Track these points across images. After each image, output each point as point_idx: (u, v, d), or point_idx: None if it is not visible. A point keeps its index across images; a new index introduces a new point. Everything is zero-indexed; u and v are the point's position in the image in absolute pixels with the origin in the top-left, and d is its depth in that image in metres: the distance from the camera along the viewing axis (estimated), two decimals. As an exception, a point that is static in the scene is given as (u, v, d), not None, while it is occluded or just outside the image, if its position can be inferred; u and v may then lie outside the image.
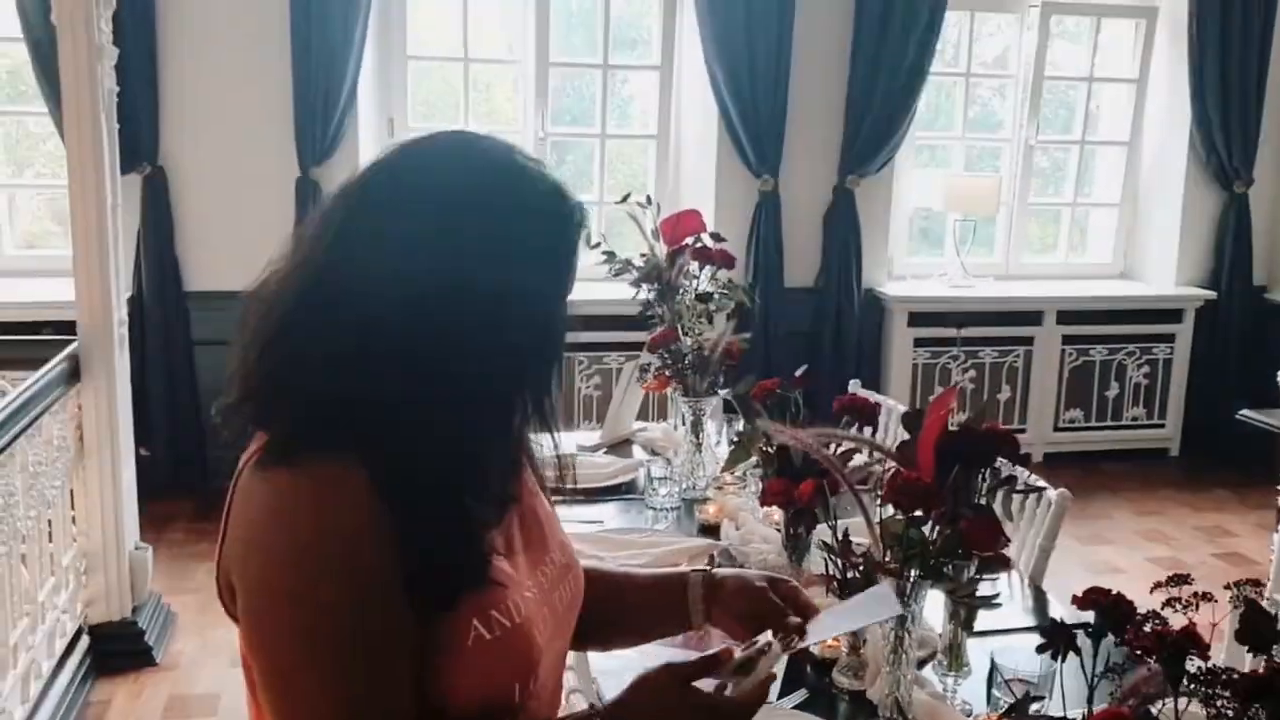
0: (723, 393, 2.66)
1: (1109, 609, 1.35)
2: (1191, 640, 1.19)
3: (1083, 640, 1.40)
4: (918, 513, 1.66)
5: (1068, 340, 5.97)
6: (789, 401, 2.37)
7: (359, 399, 1.09)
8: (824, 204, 5.66)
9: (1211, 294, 6.06)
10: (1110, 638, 1.36)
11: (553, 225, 1.17)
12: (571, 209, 1.19)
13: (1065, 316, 5.95)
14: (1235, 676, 1.18)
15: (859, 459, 1.91)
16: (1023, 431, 5.85)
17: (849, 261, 5.66)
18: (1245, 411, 4.00)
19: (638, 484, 2.87)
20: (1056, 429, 6.04)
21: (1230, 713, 1.22)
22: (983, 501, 1.69)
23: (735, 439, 2.48)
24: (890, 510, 1.73)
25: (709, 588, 1.47)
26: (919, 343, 5.78)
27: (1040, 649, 1.45)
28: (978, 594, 1.69)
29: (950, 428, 1.71)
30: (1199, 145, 5.97)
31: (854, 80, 5.51)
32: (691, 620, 1.46)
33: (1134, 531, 5.12)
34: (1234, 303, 6.07)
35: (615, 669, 1.68)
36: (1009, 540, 1.72)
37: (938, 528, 1.68)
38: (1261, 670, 1.20)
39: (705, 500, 2.71)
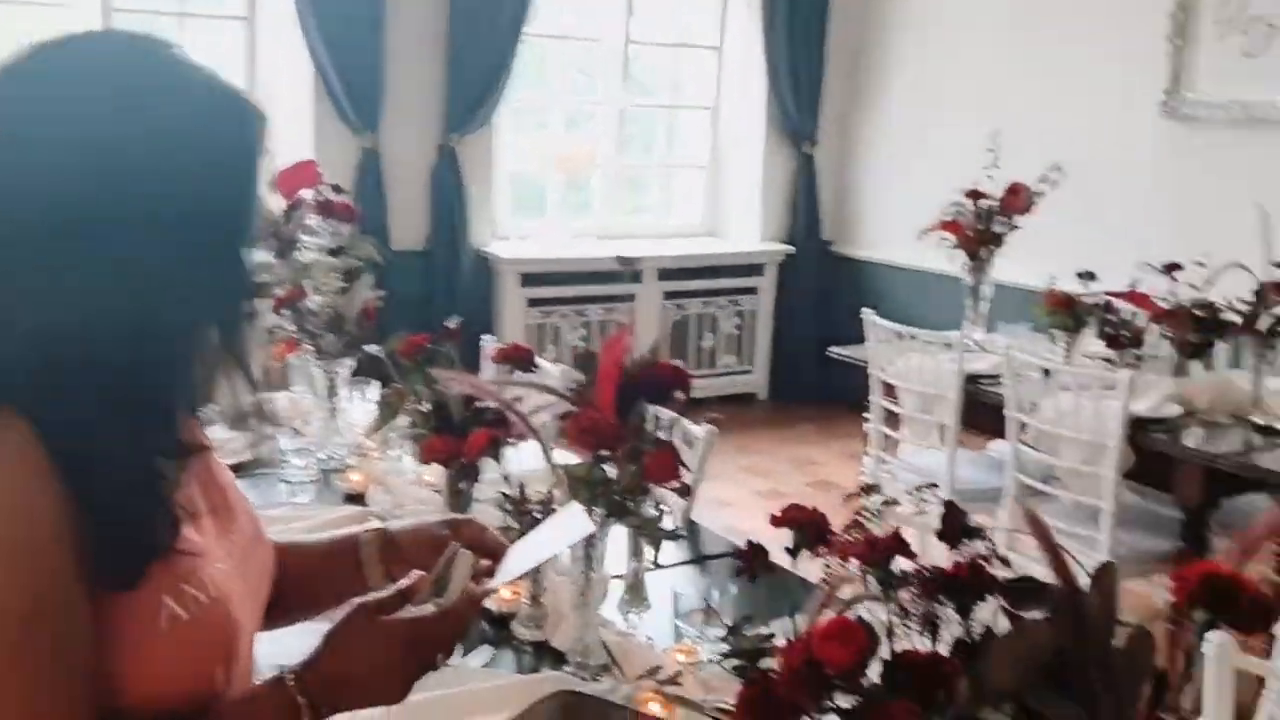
0: (372, 349, 2.51)
1: (808, 525, 1.39)
2: (900, 543, 1.25)
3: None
4: (602, 452, 1.64)
5: (668, 296, 6.26)
6: (439, 356, 2.28)
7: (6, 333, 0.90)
8: (429, 163, 5.55)
9: (790, 249, 6.56)
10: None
11: (222, 125, 1.01)
12: (242, 103, 1.03)
13: (664, 274, 6.22)
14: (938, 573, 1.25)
15: (534, 403, 1.86)
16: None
17: (456, 222, 5.59)
18: (835, 349, 4.36)
19: (267, 458, 2.65)
20: (660, 381, 6.31)
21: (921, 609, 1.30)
22: (661, 436, 1.70)
23: (381, 400, 2.35)
24: (567, 455, 1.71)
25: (385, 545, 1.35)
26: (533, 303, 5.83)
27: (739, 572, 1.47)
28: (660, 527, 1.69)
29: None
30: (774, 108, 6.43)
31: (453, 35, 5.43)
32: (369, 582, 1.34)
33: (738, 468, 5.46)
34: (808, 257, 6.61)
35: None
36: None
37: (619, 466, 1.67)
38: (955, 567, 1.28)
39: (346, 469, 2.56)
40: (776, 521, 1.42)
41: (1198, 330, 3.48)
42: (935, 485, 1.38)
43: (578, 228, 6.20)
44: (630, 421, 1.68)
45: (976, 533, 1.27)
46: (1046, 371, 3.52)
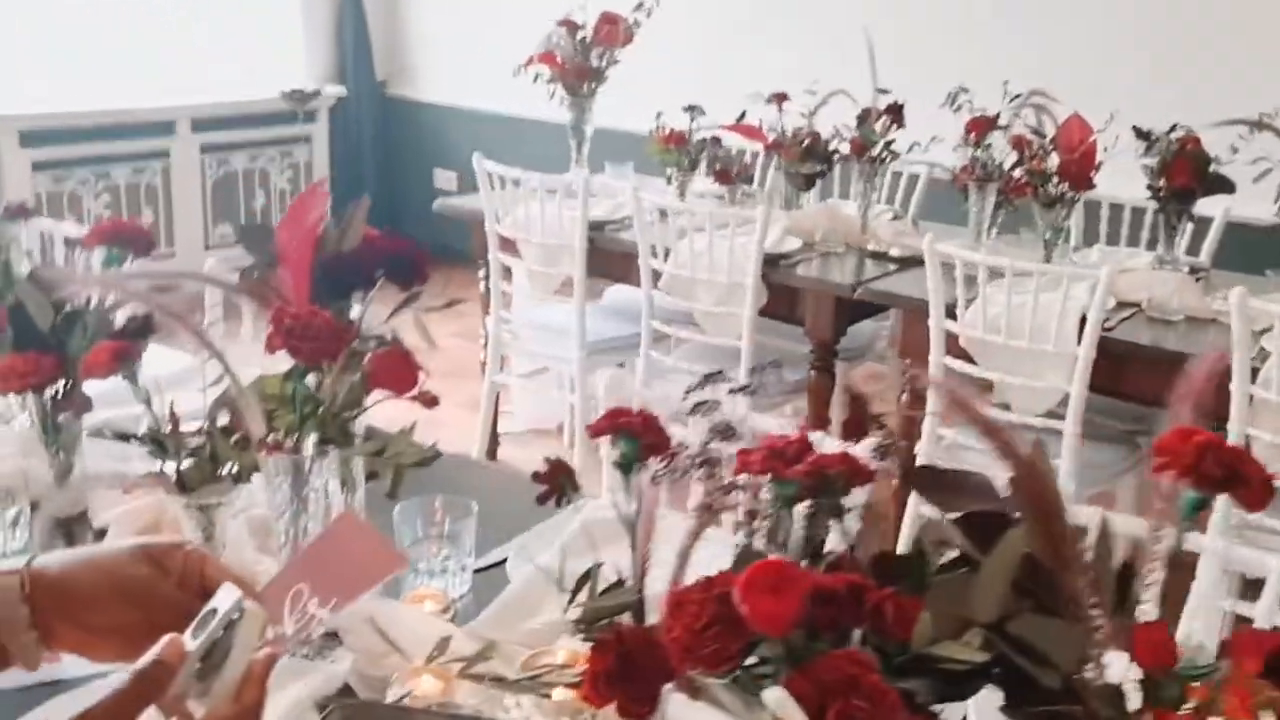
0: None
1: (641, 429, 1.07)
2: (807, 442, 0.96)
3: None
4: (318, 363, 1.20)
5: (206, 150, 5.46)
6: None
7: None
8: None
9: (341, 90, 5.95)
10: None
11: None
12: None
13: (198, 125, 5.41)
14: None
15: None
16: (172, 256, 5.29)
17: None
18: (444, 201, 3.99)
19: None
20: (208, 248, 5.56)
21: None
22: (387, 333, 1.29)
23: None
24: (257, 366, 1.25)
25: (38, 593, 0.82)
26: (39, 167, 4.83)
27: (541, 499, 1.13)
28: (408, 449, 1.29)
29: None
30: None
31: None
32: (19, 657, 0.83)
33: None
34: (361, 99, 6.03)
35: None
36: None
37: (333, 376, 1.24)
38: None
39: None
40: (598, 430, 1.09)
41: (807, 160, 3.46)
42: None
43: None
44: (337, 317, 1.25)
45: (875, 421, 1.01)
46: (663, 213, 3.37)
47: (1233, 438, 2.50)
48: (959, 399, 0.97)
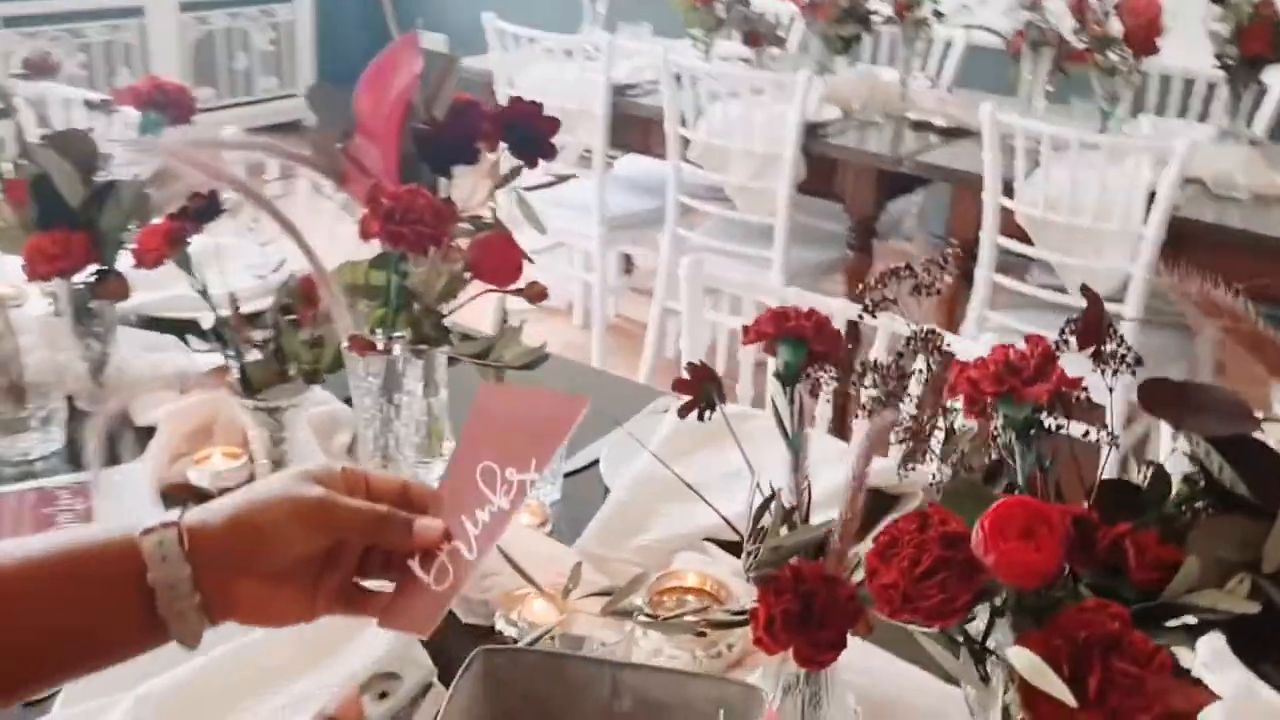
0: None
1: (813, 334, 0.91)
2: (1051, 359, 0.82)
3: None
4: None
5: (185, 8, 5.13)
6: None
7: None
8: None
9: (325, -57, 5.60)
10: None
11: None
12: None
13: (174, -22, 5.08)
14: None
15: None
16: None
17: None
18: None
19: None
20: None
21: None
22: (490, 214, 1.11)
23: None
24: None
25: (202, 550, 0.67)
26: (9, 22, 4.51)
27: (686, 409, 0.98)
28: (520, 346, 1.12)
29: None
30: None
31: None
32: (178, 630, 0.67)
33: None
34: (346, -46, 5.68)
35: None
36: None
37: (429, 264, 1.08)
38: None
39: None
40: (760, 333, 0.93)
41: (846, 22, 3.24)
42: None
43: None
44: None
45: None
46: (684, 77, 3.15)
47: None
48: (1217, 300, 0.82)
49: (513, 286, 1.10)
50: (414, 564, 0.73)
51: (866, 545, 0.90)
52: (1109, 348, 0.84)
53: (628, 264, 4.00)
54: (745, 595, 1.13)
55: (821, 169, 3.03)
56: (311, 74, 5.70)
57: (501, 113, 1.07)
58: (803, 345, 0.92)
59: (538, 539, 1.19)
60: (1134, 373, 0.86)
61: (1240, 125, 2.90)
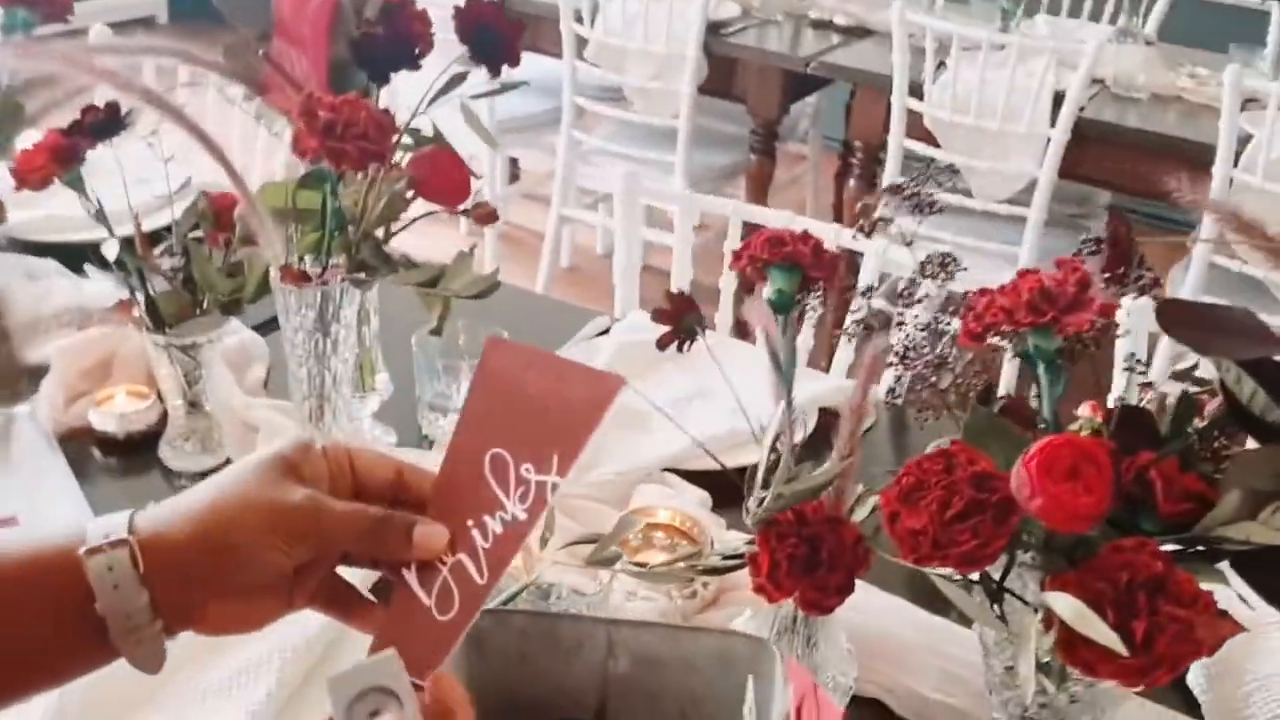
0: None
1: (810, 259, 0.84)
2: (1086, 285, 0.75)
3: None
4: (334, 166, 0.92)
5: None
6: None
7: None
8: None
9: None
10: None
11: None
12: None
13: None
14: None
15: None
16: None
17: None
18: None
19: None
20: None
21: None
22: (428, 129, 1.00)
23: None
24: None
25: (159, 570, 0.56)
26: None
27: (664, 341, 0.90)
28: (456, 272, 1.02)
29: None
30: None
31: None
32: (136, 658, 0.57)
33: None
34: None
35: None
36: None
37: (369, 185, 0.96)
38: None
39: None
40: (752, 257, 0.86)
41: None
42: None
43: None
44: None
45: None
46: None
47: (1208, 226, 2.42)
48: (1243, 221, 0.78)
49: (460, 207, 0.99)
50: (410, 577, 0.61)
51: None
52: (1135, 272, 0.79)
53: (513, 169, 3.86)
54: (715, 527, 1.07)
55: (722, 69, 2.94)
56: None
57: (460, 14, 0.96)
58: (798, 271, 0.85)
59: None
60: (1155, 297, 0.81)
61: (1137, 25, 2.90)
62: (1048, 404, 0.76)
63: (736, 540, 1.01)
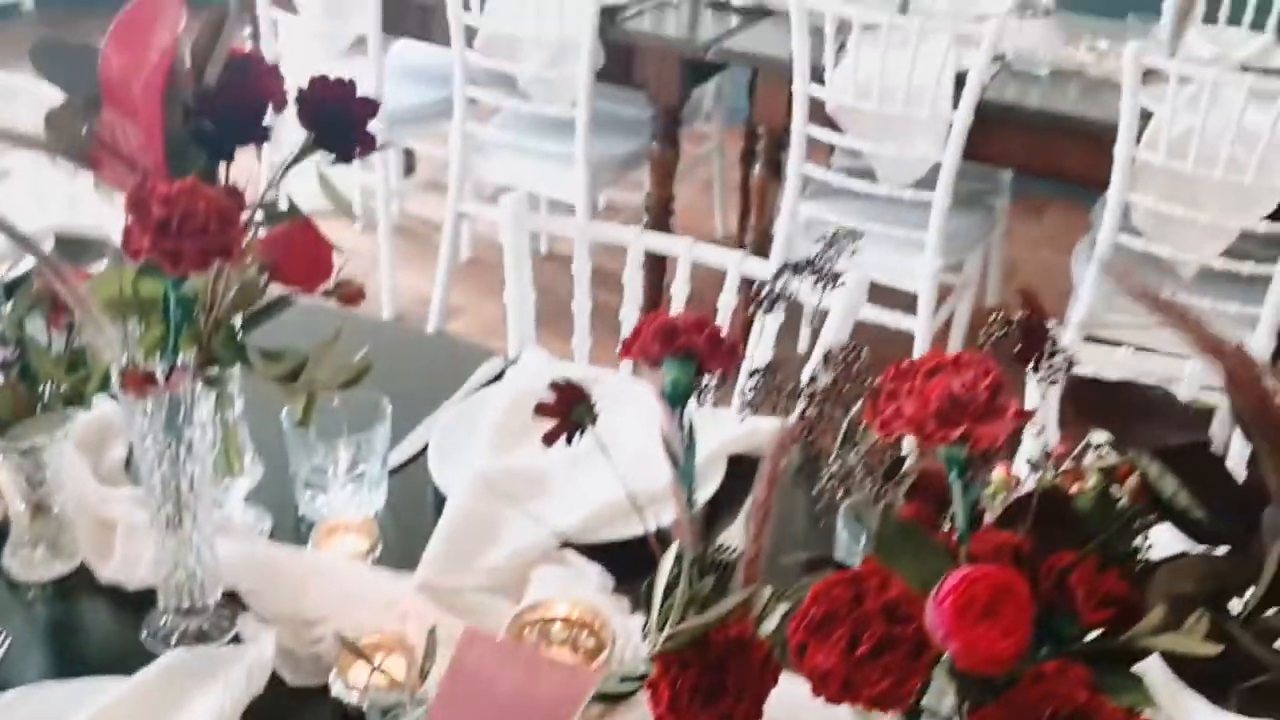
0: None
1: (706, 349, 0.76)
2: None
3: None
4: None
5: None
6: None
7: None
8: None
9: None
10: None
11: None
12: None
13: None
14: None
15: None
16: None
17: None
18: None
19: None
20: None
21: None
22: (283, 200, 0.91)
23: None
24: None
25: None
26: None
27: (550, 438, 0.82)
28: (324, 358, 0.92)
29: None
30: None
31: None
32: None
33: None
34: None
35: None
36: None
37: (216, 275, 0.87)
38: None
39: None
40: (643, 348, 0.79)
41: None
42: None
43: None
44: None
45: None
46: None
47: (1111, 203, 2.40)
48: (1143, 291, 0.72)
49: (322, 288, 0.90)
50: None
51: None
52: (1049, 358, 0.73)
53: (409, 160, 3.73)
54: (618, 615, 1.01)
55: (619, 55, 2.84)
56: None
57: (304, 97, 0.86)
58: (692, 362, 0.78)
59: (367, 575, 1.02)
60: (1067, 381, 0.76)
61: (1035, -4, 2.87)
62: (962, 513, 0.70)
63: (638, 629, 0.95)
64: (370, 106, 0.89)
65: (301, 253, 0.88)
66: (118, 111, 0.87)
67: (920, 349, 2.70)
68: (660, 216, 2.99)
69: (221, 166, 0.90)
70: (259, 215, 0.89)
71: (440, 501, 1.14)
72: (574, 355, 1.68)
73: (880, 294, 2.70)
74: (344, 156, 0.87)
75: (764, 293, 0.79)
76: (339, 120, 0.86)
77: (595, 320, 1.67)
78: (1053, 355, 0.73)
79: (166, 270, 0.77)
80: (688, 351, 0.77)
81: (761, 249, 2.82)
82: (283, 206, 0.91)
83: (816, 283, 0.79)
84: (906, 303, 2.71)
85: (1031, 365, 0.72)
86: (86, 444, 1.15)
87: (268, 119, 0.92)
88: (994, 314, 0.74)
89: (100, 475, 1.12)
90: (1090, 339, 2.55)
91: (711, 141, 3.65)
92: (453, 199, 3.06)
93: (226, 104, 0.86)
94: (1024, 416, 0.66)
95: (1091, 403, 0.76)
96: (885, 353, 0.80)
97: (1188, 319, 0.70)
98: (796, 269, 0.79)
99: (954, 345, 3.00)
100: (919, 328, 2.71)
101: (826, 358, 0.78)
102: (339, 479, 1.12)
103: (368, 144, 0.88)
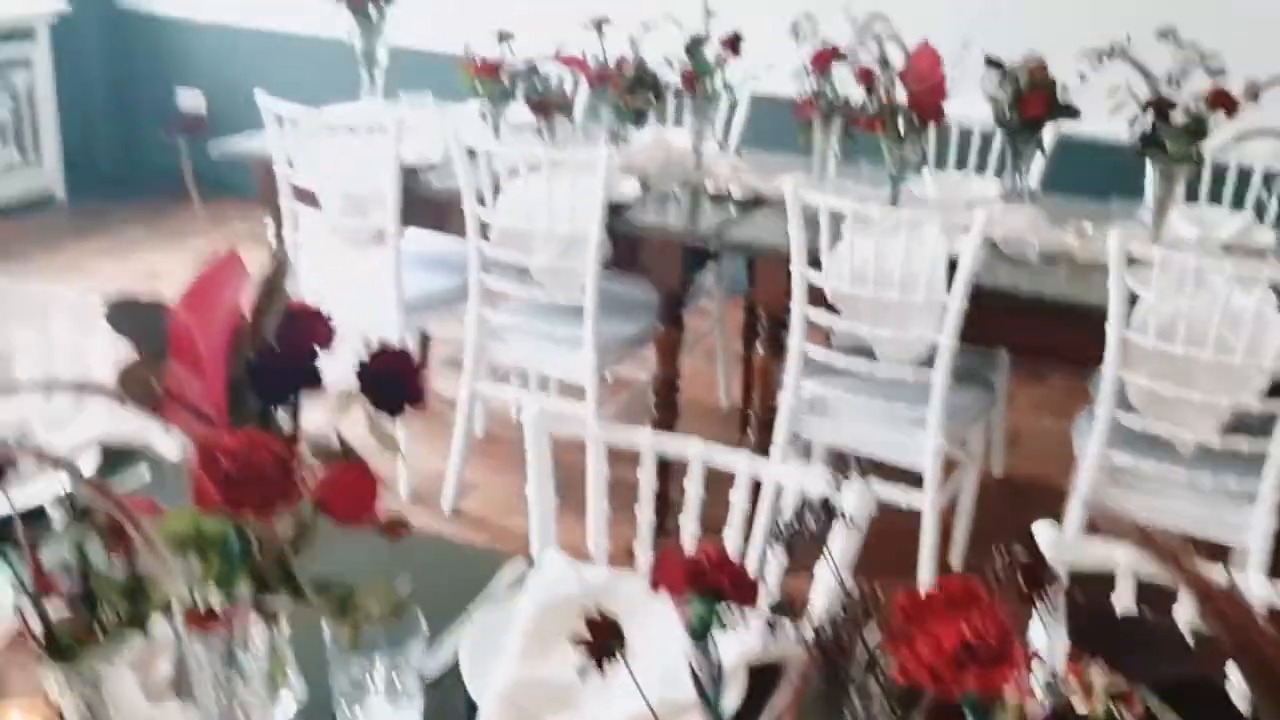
0: None
1: (731, 587, 0.82)
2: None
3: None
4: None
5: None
6: None
7: None
8: None
9: (63, 7, 5.18)
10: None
11: None
12: None
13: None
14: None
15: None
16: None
17: None
18: (225, 148, 3.47)
19: None
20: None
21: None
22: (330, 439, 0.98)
23: None
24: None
25: None
26: None
27: (587, 667, 0.87)
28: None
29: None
30: None
31: None
32: None
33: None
34: (88, 15, 5.29)
35: None
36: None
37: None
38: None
39: None
40: (672, 583, 0.85)
41: (636, 91, 3.20)
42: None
43: None
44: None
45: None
46: (472, 152, 3.00)
47: (1106, 383, 2.48)
48: (1166, 552, 0.78)
49: (369, 521, 0.97)
50: None
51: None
52: (1050, 599, 0.79)
53: (424, 342, 3.84)
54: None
55: (626, 246, 2.98)
56: (57, 144, 5.26)
57: (365, 370, 0.95)
58: (717, 598, 0.84)
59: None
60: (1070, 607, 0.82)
61: (1021, 182, 3.01)
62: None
63: None
64: (412, 366, 0.97)
65: (350, 490, 0.95)
66: (183, 363, 0.96)
67: (928, 527, 2.75)
68: (666, 395, 3.09)
69: (277, 411, 0.98)
70: (311, 457, 0.96)
71: (473, 711, 1.19)
72: (590, 551, 1.73)
73: (886, 469, 2.78)
74: (394, 411, 0.95)
75: (780, 532, 0.86)
76: (393, 383, 0.94)
77: (610, 497, 1.72)
78: (1052, 585, 0.79)
79: (233, 515, 0.84)
80: (713, 589, 0.83)
81: (767, 424, 2.89)
82: (333, 444, 0.98)
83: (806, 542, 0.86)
84: (912, 477, 2.77)
85: (1034, 604, 0.78)
86: (135, 661, 1.19)
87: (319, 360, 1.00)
88: (995, 550, 0.81)
89: (148, 692, 1.16)
90: (1095, 510, 2.61)
91: (713, 316, 3.77)
92: (467, 379, 3.16)
93: (283, 354, 0.94)
94: (1034, 656, 0.72)
95: (1094, 638, 0.82)
96: (893, 529, 0.85)
97: (1180, 560, 0.76)
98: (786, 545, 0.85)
99: (960, 525, 3.05)
100: (926, 505, 2.76)
101: (844, 606, 0.83)
102: (377, 692, 1.16)
103: (418, 397, 0.96)
